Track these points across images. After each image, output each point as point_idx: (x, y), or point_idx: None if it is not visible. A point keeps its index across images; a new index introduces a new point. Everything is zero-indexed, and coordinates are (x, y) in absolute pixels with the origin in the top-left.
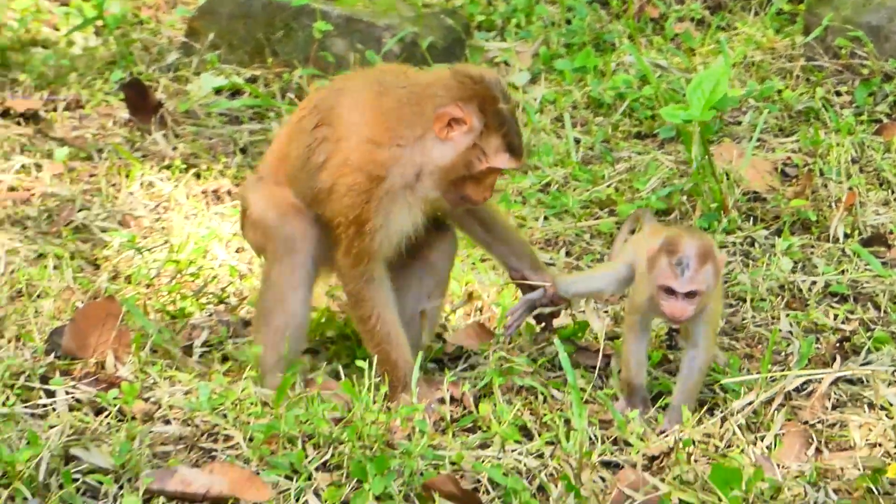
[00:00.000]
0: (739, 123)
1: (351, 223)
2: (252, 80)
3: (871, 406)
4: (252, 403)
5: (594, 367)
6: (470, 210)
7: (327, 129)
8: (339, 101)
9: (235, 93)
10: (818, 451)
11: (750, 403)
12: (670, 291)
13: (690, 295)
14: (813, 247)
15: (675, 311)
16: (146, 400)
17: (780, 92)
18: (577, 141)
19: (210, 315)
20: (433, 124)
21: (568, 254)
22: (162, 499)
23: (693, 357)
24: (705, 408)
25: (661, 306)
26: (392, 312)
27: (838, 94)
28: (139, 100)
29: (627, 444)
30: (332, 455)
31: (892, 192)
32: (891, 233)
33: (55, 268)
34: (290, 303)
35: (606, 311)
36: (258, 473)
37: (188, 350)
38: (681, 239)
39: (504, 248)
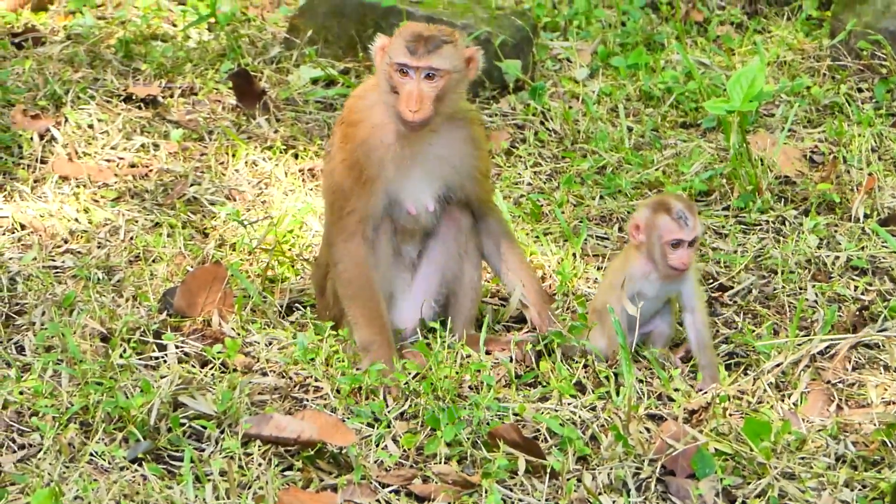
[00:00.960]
0: (772, 115)
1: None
2: (345, 72)
3: (887, 368)
4: (340, 359)
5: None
6: (489, 238)
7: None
8: None
9: (330, 83)
10: (839, 407)
11: (779, 365)
12: (677, 244)
13: (692, 243)
14: (836, 226)
15: (685, 259)
16: (246, 354)
17: (808, 88)
18: (630, 129)
19: (304, 279)
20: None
21: (620, 229)
22: (258, 442)
23: (693, 320)
24: (741, 368)
25: (669, 261)
26: (367, 272)
27: (860, 90)
28: (245, 88)
29: (670, 399)
30: (409, 406)
31: None
32: None
33: (168, 236)
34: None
35: None
36: (344, 421)
37: (284, 312)
38: (668, 198)
39: (514, 281)
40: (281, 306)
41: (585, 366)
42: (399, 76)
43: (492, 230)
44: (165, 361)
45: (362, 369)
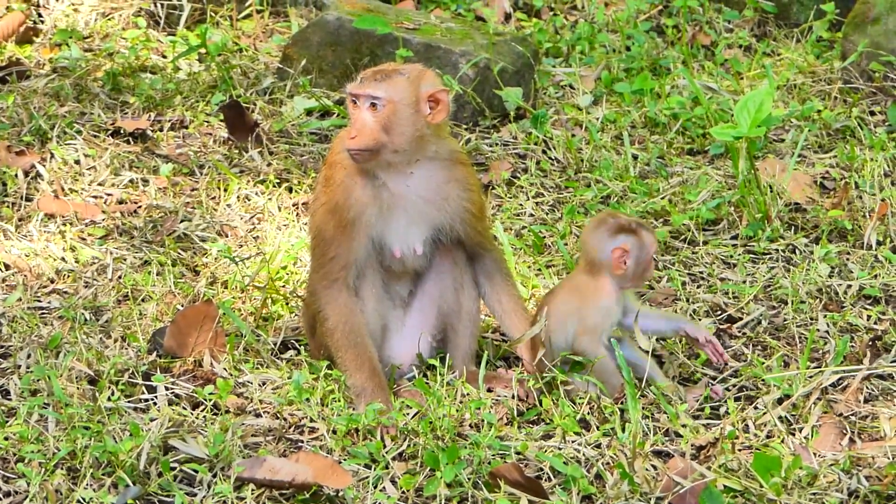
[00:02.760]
0: (782, 141)
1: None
2: (340, 102)
3: None
4: (336, 399)
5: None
6: (485, 278)
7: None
8: None
9: (325, 114)
10: (851, 441)
11: (789, 397)
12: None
13: None
14: (848, 253)
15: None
16: (239, 395)
17: (819, 112)
18: (635, 157)
19: (298, 317)
20: None
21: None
22: (251, 486)
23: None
24: (750, 401)
25: (648, 274)
26: (352, 319)
27: (872, 113)
28: (237, 120)
29: (677, 435)
30: (408, 445)
31: None
32: None
33: (158, 274)
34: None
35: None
36: (340, 462)
37: (278, 350)
38: (615, 216)
39: (506, 317)
40: (274, 345)
41: (589, 402)
42: (351, 107)
43: (487, 269)
44: (155, 404)
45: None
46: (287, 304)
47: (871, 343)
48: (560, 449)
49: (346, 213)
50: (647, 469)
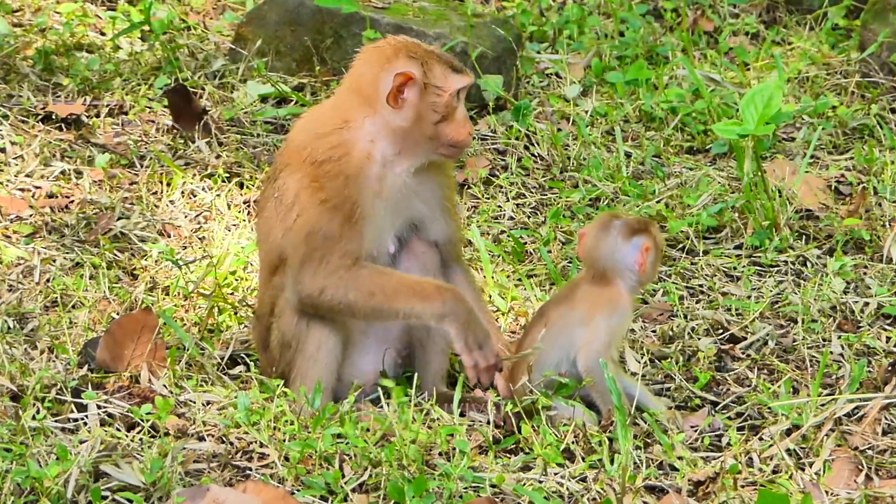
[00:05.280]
0: (793, 140)
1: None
2: (299, 89)
3: None
4: (288, 421)
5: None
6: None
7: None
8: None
9: (282, 101)
10: (868, 478)
11: (799, 427)
12: None
13: None
14: (866, 267)
15: None
16: (180, 416)
17: (834, 108)
18: (628, 155)
19: (248, 329)
20: (387, 99)
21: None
22: None
23: None
24: (755, 432)
25: (654, 275)
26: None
27: (893, 111)
28: (183, 106)
29: (673, 468)
30: (369, 476)
31: None
32: None
33: (91, 277)
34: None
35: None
36: (293, 493)
37: (225, 365)
38: (619, 216)
39: None
40: (221, 360)
41: (574, 430)
42: (455, 101)
43: (457, 281)
44: (85, 424)
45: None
46: (236, 313)
47: (890, 368)
48: (541, 482)
49: (359, 208)
50: None
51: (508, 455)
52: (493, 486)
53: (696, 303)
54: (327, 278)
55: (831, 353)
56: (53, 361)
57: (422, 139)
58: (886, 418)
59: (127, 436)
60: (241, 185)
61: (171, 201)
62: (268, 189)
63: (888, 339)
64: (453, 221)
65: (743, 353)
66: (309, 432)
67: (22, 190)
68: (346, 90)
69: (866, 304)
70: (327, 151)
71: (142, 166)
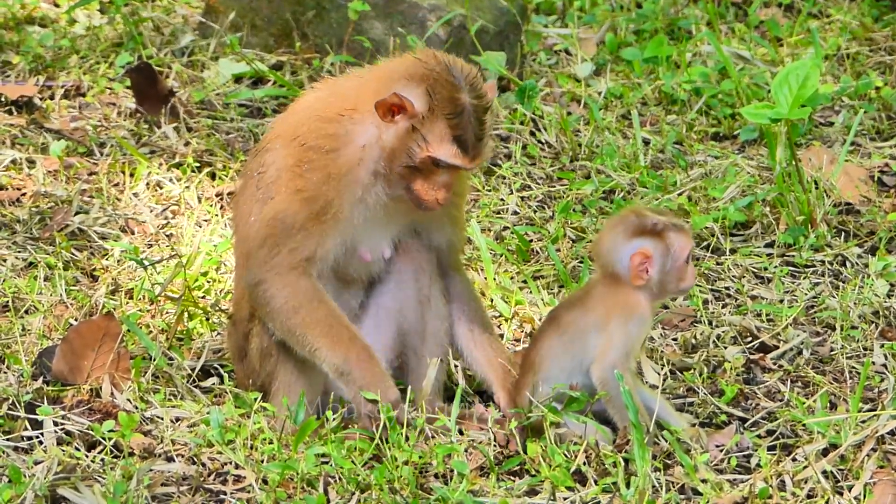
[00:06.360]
0: (831, 125)
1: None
2: (277, 67)
3: None
4: (266, 440)
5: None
6: (461, 315)
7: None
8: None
9: (258, 81)
10: None
11: (837, 447)
12: (689, 256)
13: None
14: None
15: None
16: (146, 433)
17: (877, 89)
18: (646, 142)
19: (221, 336)
20: (376, 107)
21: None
22: None
23: None
24: (788, 452)
25: (685, 282)
26: (318, 294)
27: None
28: (148, 87)
29: (696, 492)
30: (358, 501)
31: None
32: None
33: (46, 279)
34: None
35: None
36: None
37: (196, 377)
38: (638, 214)
39: (478, 350)
40: (192, 371)
41: (586, 449)
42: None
43: (456, 290)
44: (41, 443)
45: (351, 402)
46: (208, 319)
47: None
48: None
49: (332, 209)
50: None
51: (512, 478)
52: None
53: (723, 307)
54: (268, 271)
55: (873, 363)
56: (5, 373)
57: (395, 169)
58: None
59: (87, 456)
60: (212, 176)
61: (134, 194)
62: (251, 164)
63: None
64: (459, 230)
65: (774, 364)
66: (290, 452)
67: None
68: (369, 78)
69: None
70: (320, 139)
71: (102, 154)
